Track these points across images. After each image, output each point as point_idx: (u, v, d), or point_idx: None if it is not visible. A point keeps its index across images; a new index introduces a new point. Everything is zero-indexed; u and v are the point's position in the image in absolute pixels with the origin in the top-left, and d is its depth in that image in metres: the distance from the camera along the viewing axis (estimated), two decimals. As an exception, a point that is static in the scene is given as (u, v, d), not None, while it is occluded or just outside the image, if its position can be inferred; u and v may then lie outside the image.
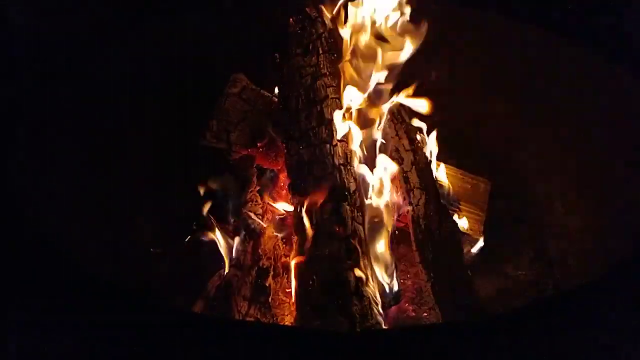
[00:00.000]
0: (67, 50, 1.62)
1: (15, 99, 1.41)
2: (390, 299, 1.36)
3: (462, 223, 1.74)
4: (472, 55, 1.62)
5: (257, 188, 1.71)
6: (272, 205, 1.75)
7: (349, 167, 1.42)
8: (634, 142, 1.45)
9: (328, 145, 1.41)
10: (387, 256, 1.38)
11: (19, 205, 1.17)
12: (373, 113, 1.55)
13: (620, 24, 1.59)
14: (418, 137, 1.70)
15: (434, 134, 1.76)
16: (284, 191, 1.77)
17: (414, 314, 1.64)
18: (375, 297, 1.28)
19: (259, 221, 1.62)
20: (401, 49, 1.50)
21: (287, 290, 1.59)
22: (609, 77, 1.54)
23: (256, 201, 1.68)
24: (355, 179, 1.42)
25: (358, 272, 1.24)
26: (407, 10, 1.55)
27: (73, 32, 1.65)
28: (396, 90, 1.57)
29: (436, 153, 1.77)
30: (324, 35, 1.58)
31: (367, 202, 1.45)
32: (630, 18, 1.59)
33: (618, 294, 0.99)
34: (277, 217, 1.71)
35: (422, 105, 1.58)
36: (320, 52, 1.54)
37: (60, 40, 1.60)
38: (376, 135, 1.56)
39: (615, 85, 1.53)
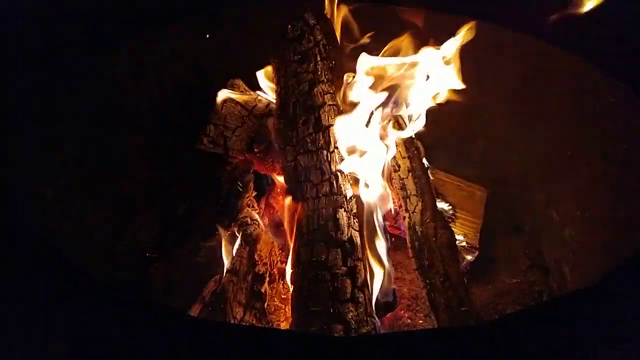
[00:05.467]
0: (66, 51, 1.62)
1: (15, 99, 1.41)
2: (386, 306, 1.36)
3: (458, 230, 1.74)
4: (469, 62, 1.63)
5: (254, 194, 1.71)
6: (268, 211, 1.75)
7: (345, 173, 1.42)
8: (631, 151, 1.46)
9: (325, 152, 1.41)
10: (384, 263, 1.38)
11: (18, 206, 1.17)
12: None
13: (622, 32, 1.59)
14: (414, 144, 1.71)
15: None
16: (281, 197, 1.77)
17: (410, 320, 1.64)
18: (372, 303, 1.28)
19: (256, 227, 1.62)
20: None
21: (283, 297, 1.59)
22: (607, 86, 1.55)
23: (253, 207, 1.68)
24: (352, 185, 1.43)
25: (354, 278, 1.24)
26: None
27: (72, 34, 1.65)
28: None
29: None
30: (321, 42, 1.58)
31: (363, 208, 1.45)
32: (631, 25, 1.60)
33: (613, 301, 1.00)
34: (273, 222, 1.71)
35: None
36: (318, 58, 1.55)
37: (60, 43, 1.60)
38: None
39: (613, 94, 1.54)
